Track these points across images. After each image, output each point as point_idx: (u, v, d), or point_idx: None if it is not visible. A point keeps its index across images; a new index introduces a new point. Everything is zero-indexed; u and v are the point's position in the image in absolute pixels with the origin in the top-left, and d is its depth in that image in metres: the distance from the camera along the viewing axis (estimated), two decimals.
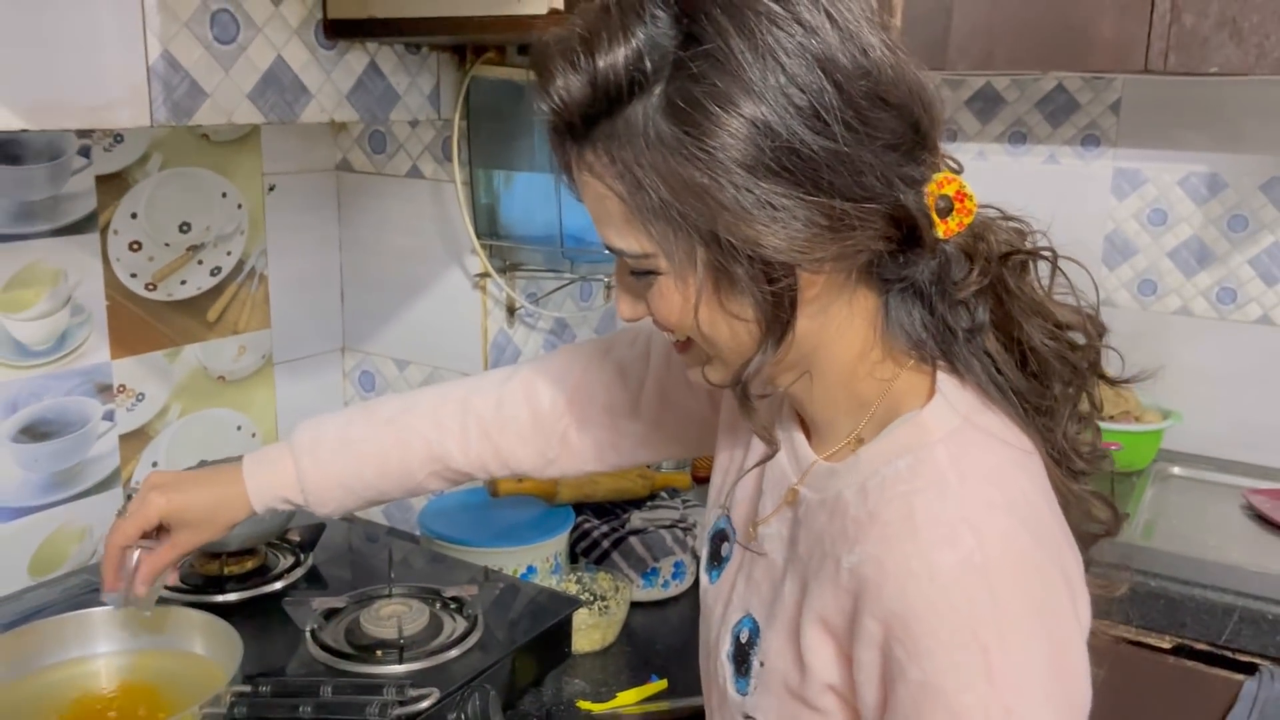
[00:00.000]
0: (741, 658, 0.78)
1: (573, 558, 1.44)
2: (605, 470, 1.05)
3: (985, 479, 0.66)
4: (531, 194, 1.37)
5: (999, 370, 0.71)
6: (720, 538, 0.86)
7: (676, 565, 1.42)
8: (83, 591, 1.22)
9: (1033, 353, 0.71)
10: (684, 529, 1.44)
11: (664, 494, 1.53)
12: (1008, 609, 0.62)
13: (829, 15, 0.62)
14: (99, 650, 1.02)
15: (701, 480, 1.65)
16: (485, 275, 1.43)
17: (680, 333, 0.71)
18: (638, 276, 0.70)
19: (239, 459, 0.97)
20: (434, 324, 1.50)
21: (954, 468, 0.66)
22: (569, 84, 0.64)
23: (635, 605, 1.38)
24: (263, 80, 1.15)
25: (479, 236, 1.42)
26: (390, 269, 1.52)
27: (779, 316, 0.66)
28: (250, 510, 0.96)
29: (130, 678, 1.01)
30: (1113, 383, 0.75)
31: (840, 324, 0.71)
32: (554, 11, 1.02)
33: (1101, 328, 0.73)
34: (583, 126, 0.65)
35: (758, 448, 0.84)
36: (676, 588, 1.43)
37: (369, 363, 1.58)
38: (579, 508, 1.46)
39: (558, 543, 1.38)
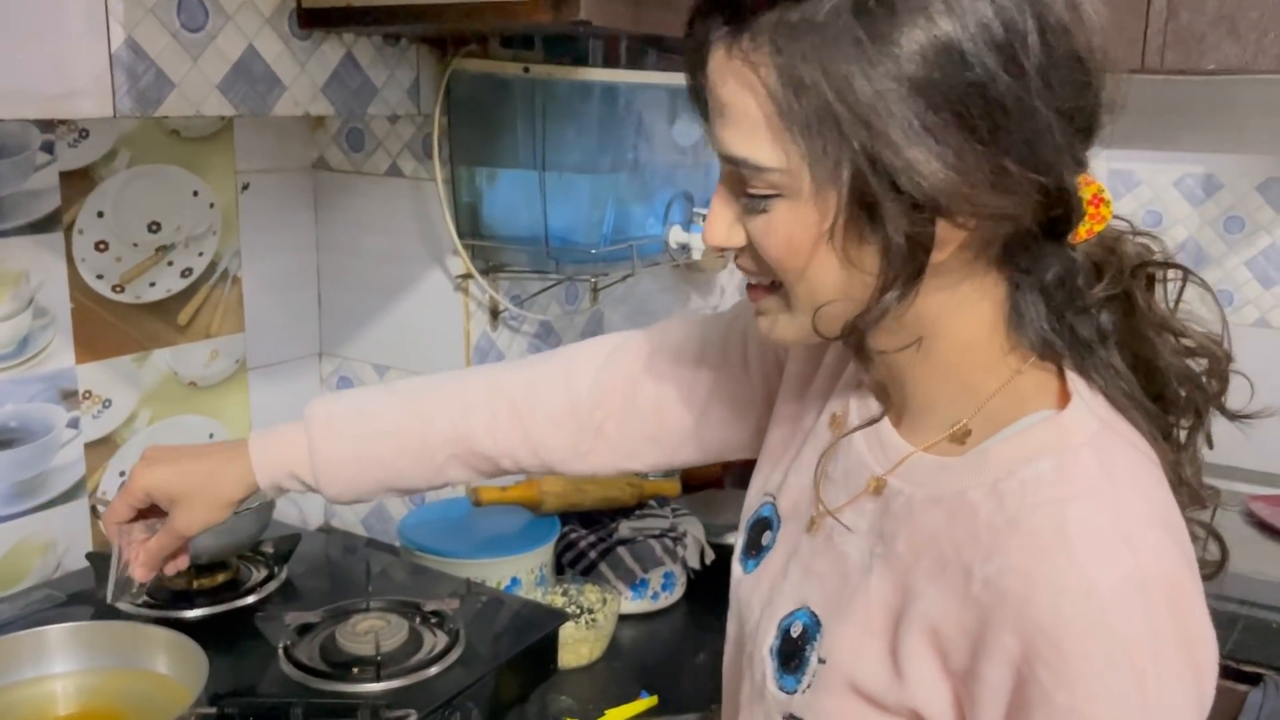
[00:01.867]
0: (792, 653, 0.71)
1: (559, 569, 1.39)
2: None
3: (1135, 488, 0.61)
4: (515, 193, 1.33)
5: (1124, 387, 0.66)
6: (762, 526, 0.80)
7: (666, 576, 1.37)
8: (45, 607, 1.16)
9: (1158, 373, 0.66)
10: (674, 539, 1.39)
11: (653, 503, 1.49)
12: (1163, 632, 0.57)
13: None
14: (56, 670, 0.97)
15: (692, 488, 1.61)
16: (467, 277, 1.38)
17: (781, 272, 0.64)
18: (752, 198, 0.63)
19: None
20: (414, 327, 1.46)
21: (1104, 474, 0.60)
22: None
23: (624, 618, 1.34)
24: (233, 71, 1.10)
25: (461, 237, 1.37)
26: (369, 271, 1.47)
27: (908, 268, 0.60)
28: (253, 486, 0.88)
29: (89, 699, 0.95)
30: (1233, 418, 0.69)
31: (967, 300, 0.65)
32: None
33: (1228, 355, 0.67)
34: (750, 8, 0.59)
35: (821, 433, 0.78)
36: (666, 599, 1.39)
37: (347, 368, 1.53)
38: (565, 517, 1.41)
39: (543, 553, 1.33)
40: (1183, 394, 0.66)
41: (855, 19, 0.56)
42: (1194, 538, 0.64)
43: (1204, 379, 0.67)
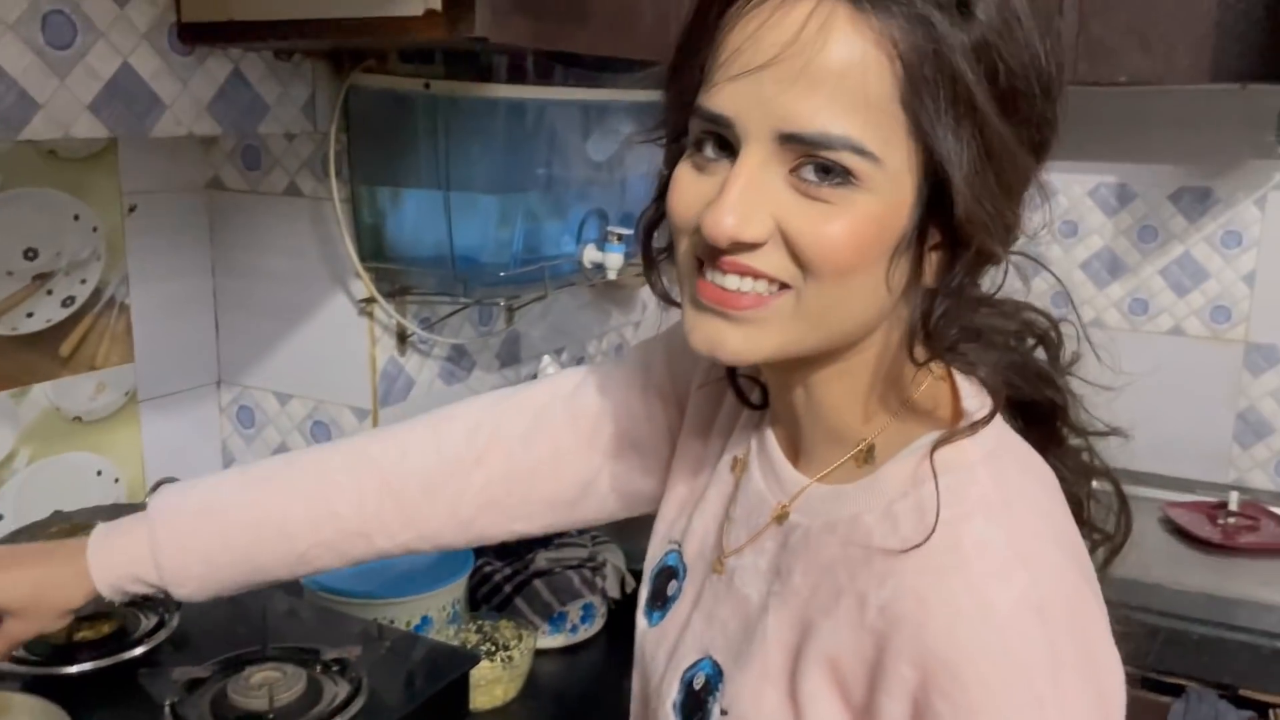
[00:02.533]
0: (695, 706, 0.67)
1: (473, 605, 1.33)
2: (539, 532, 0.88)
3: (1030, 506, 0.59)
4: (420, 213, 1.27)
5: (1007, 372, 0.64)
6: (667, 575, 0.76)
7: (585, 608, 1.33)
8: None
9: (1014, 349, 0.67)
10: (593, 568, 1.35)
11: (571, 531, 1.44)
12: (1063, 656, 0.54)
13: (1052, 21, 0.58)
14: None
15: None
16: (371, 300, 1.32)
17: (824, 272, 0.56)
18: (814, 185, 0.55)
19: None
20: (318, 354, 1.39)
21: (999, 492, 0.58)
22: None
23: (541, 654, 1.29)
24: (106, 90, 1.03)
25: (364, 258, 1.31)
26: (269, 295, 1.40)
27: (979, 266, 0.60)
28: (92, 592, 0.80)
29: None
30: (1062, 373, 0.69)
31: (895, 314, 0.62)
32: (430, 13, 0.93)
33: (1050, 319, 0.68)
34: None
35: (723, 475, 0.74)
36: (586, 632, 1.34)
37: (247, 397, 1.45)
38: (479, 550, 1.36)
39: (455, 589, 1.27)
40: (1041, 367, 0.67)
41: (969, 9, 0.54)
42: (1092, 534, 0.66)
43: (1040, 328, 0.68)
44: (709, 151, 0.59)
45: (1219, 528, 1.76)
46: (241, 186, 1.38)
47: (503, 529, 0.86)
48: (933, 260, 0.59)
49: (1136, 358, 1.93)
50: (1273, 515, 1.80)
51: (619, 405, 0.84)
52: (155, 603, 1.18)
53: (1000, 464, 0.60)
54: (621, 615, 1.39)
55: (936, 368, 0.63)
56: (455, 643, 1.23)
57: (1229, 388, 1.92)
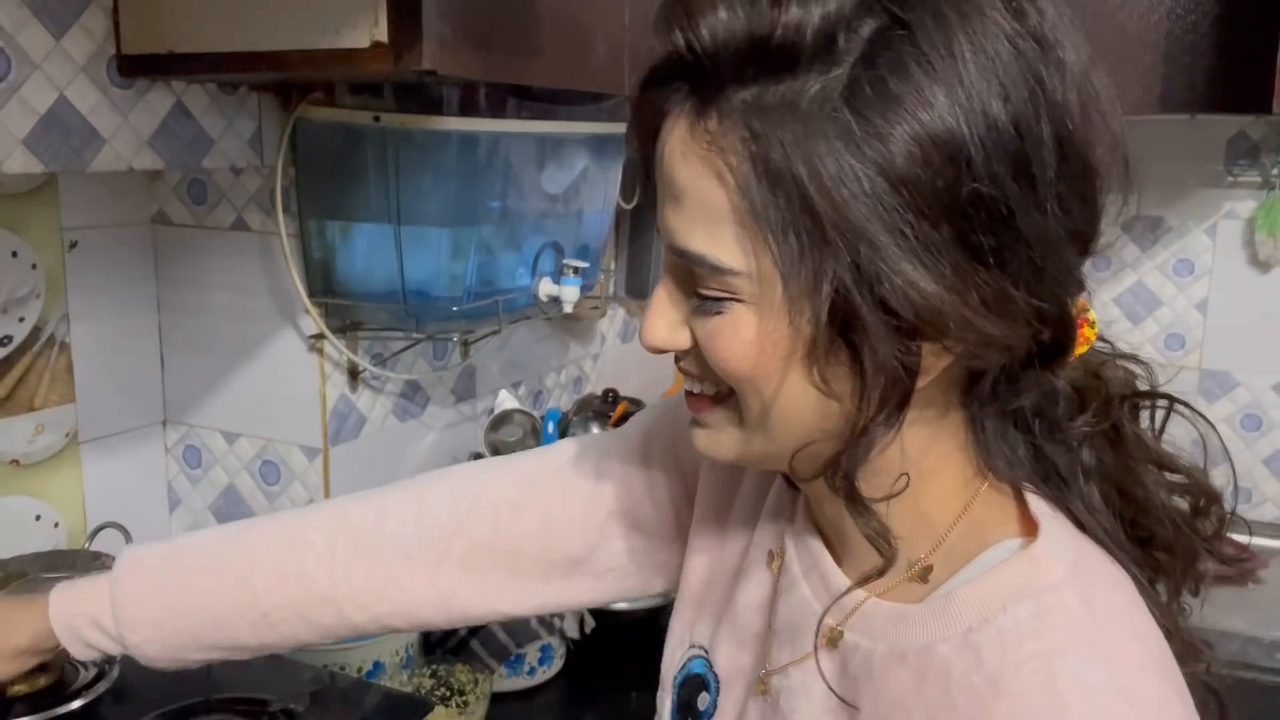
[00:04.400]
0: None
1: (427, 649, 1.30)
2: (527, 613, 0.83)
3: (1125, 630, 0.53)
4: (370, 247, 1.25)
5: (1105, 526, 0.58)
6: (695, 685, 0.70)
7: (544, 650, 1.30)
8: None
9: (1145, 513, 0.59)
10: None
11: None
12: None
13: (1063, 57, 0.50)
14: None
15: None
16: (321, 337, 1.29)
17: (735, 382, 0.55)
18: (704, 299, 0.54)
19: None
20: (267, 392, 1.36)
21: (1090, 617, 0.52)
22: (732, 24, 0.49)
23: (499, 697, 1.26)
24: (42, 124, 0.99)
25: (314, 294, 1.28)
26: (216, 332, 1.37)
27: (892, 395, 0.51)
28: (48, 637, 0.77)
29: None
30: (1229, 561, 0.63)
31: (930, 427, 0.57)
32: (377, 45, 0.91)
33: (1218, 496, 0.60)
34: (725, 83, 0.50)
35: (757, 573, 0.67)
36: (544, 674, 1.31)
37: (194, 436, 1.41)
38: None
39: (408, 633, 1.24)
40: (1171, 535, 0.59)
41: (846, 106, 0.48)
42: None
43: (1195, 519, 0.60)
44: None
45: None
46: (187, 221, 1.35)
47: (488, 607, 0.80)
48: (934, 365, 0.53)
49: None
50: (1231, 541, 1.81)
51: (617, 480, 0.78)
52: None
53: (1085, 581, 0.54)
54: (580, 656, 1.36)
55: (983, 479, 0.59)
56: (409, 688, 1.20)
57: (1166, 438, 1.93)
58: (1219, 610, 1.58)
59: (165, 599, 0.77)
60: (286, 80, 1.19)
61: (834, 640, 0.59)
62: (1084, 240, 0.53)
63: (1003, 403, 0.57)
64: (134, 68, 1.05)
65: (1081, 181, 0.51)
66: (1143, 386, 0.60)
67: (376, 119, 1.17)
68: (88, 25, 1.03)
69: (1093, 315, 0.56)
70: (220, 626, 0.78)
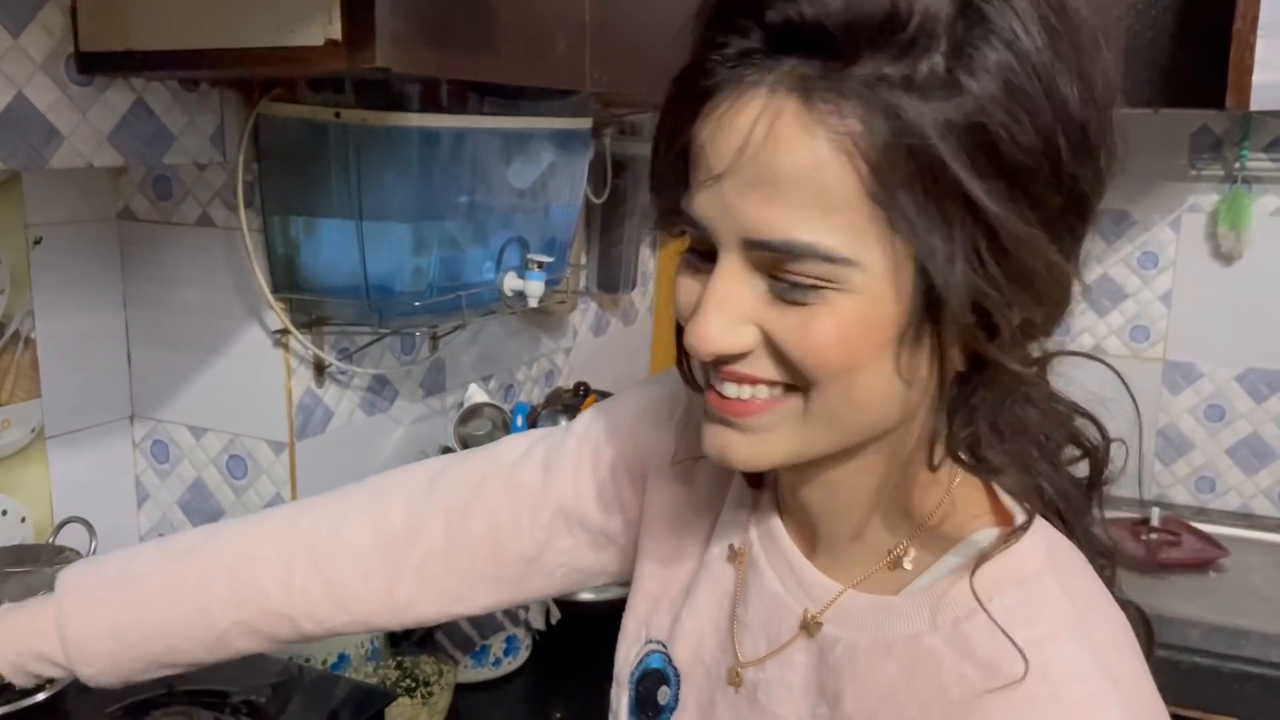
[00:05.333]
0: None
1: (393, 640, 1.31)
2: (480, 612, 0.82)
3: (1099, 614, 0.56)
4: (333, 242, 1.25)
5: (1050, 474, 0.60)
6: (654, 680, 0.70)
7: (509, 640, 1.31)
8: None
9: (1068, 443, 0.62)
10: None
11: None
12: None
13: (1098, 42, 0.53)
14: None
15: None
16: (285, 332, 1.30)
17: (818, 375, 0.53)
18: (793, 287, 0.51)
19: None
20: (233, 386, 1.36)
21: (1071, 604, 0.54)
22: (869, 2, 0.48)
23: (464, 688, 1.27)
24: (0, 121, 1.00)
25: (278, 289, 1.29)
26: (183, 327, 1.37)
27: (1012, 351, 0.52)
28: None
29: None
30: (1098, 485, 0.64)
31: (922, 407, 0.57)
32: (331, 43, 0.91)
33: (1105, 439, 0.63)
34: (852, 59, 0.48)
35: (717, 568, 0.68)
36: (510, 665, 1.33)
37: (161, 431, 1.42)
38: None
39: None
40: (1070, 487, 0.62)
41: (951, 74, 0.49)
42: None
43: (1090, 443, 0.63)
44: (695, 256, 0.57)
45: (1142, 544, 1.79)
46: (153, 217, 1.36)
47: (442, 610, 0.80)
48: (954, 351, 0.54)
49: (1060, 377, 1.97)
50: (1194, 530, 1.84)
51: (564, 477, 0.78)
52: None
53: (1062, 569, 0.56)
54: (546, 647, 1.38)
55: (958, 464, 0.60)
56: (374, 680, 1.21)
57: (1149, 406, 1.96)
58: (1182, 599, 1.61)
59: (118, 632, 0.76)
60: (247, 76, 1.19)
61: (811, 629, 0.60)
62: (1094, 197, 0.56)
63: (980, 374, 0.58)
64: (93, 65, 1.05)
65: (1109, 158, 0.54)
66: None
67: (337, 115, 1.18)
68: (45, 23, 1.03)
69: None
70: (176, 651, 0.78)
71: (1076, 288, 0.55)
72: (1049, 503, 0.61)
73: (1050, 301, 0.53)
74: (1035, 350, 0.59)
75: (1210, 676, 1.47)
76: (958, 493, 0.59)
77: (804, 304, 0.51)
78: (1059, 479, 0.61)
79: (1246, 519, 1.94)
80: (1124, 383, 0.63)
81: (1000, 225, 0.49)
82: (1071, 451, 0.63)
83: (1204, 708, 1.45)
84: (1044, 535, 0.58)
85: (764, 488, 0.68)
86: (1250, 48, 1.36)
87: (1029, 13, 0.50)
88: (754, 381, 0.55)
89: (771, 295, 0.53)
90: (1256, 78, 1.37)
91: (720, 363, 0.55)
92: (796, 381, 0.54)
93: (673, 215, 0.57)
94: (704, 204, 0.53)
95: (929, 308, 0.51)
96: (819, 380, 0.53)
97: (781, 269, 0.51)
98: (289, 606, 0.77)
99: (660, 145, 0.57)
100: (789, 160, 0.49)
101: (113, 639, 0.76)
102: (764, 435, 0.56)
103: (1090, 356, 0.63)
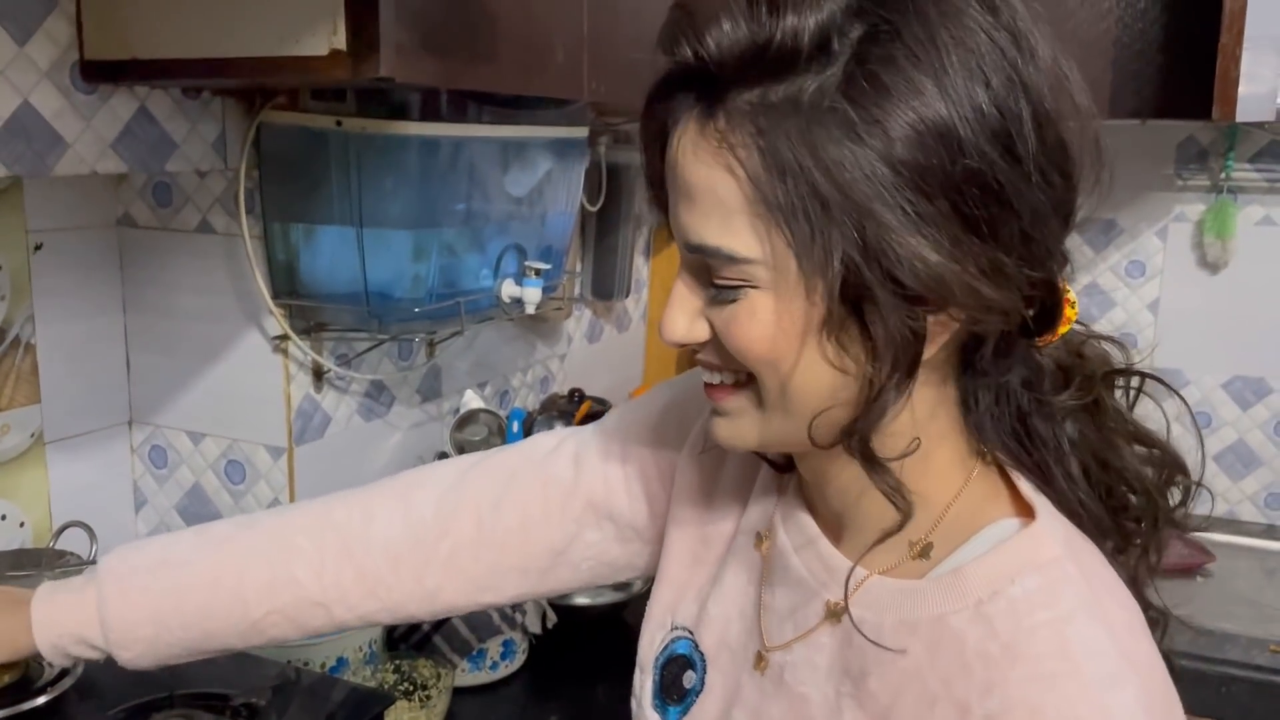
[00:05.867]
0: None
1: (390, 643, 1.32)
2: (506, 602, 0.85)
3: (1117, 600, 0.58)
4: (333, 249, 1.27)
5: (1081, 497, 0.62)
6: (679, 665, 0.72)
7: (506, 645, 1.32)
8: None
9: (1120, 481, 0.63)
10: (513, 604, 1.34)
11: None
12: None
13: (1035, 45, 0.54)
14: None
15: None
16: (285, 338, 1.31)
17: (755, 366, 0.58)
18: (721, 288, 0.58)
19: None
20: (232, 392, 1.37)
21: (1091, 589, 0.57)
22: (735, 32, 0.54)
23: (461, 691, 1.28)
24: (5, 129, 1.01)
25: (278, 295, 1.30)
26: (182, 333, 1.38)
27: (902, 363, 0.55)
28: (30, 649, 0.77)
29: None
30: (1186, 530, 0.66)
31: (928, 402, 0.60)
32: (335, 53, 0.93)
33: (1187, 470, 0.65)
34: (730, 87, 0.55)
35: (744, 555, 0.70)
36: (506, 669, 1.33)
37: (160, 436, 1.43)
38: None
39: (371, 628, 1.26)
40: (1143, 504, 0.63)
41: (844, 99, 0.53)
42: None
43: (1163, 488, 0.64)
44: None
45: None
46: (153, 223, 1.37)
47: (470, 599, 0.82)
48: (939, 334, 0.57)
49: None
50: (1181, 536, 1.85)
51: (594, 471, 0.81)
52: None
53: (1079, 555, 0.58)
54: (542, 651, 1.39)
55: (977, 460, 0.62)
56: (372, 683, 1.22)
57: (1137, 412, 1.98)
58: (1170, 602, 1.63)
59: (158, 618, 0.78)
60: (250, 85, 1.20)
61: (838, 615, 0.63)
62: (1065, 212, 0.57)
63: (996, 374, 0.61)
64: (97, 73, 1.06)
65: (1059, 155, 0.55)
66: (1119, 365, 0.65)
67: (339, 123, 1.19)
68: (51, 32, 1.04)
69: (1073, 296, 0.60)
70: (212, 637, 0.80)
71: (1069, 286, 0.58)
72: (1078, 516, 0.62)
73: (975, 305, 0.54)
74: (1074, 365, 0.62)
75: (1196, 680, 1.49)
76: (976, 483, 0.62)
77: (731, 302, 0.58)
78: (1087, 500, 0.62)
79: (1232, 525, 1.96)
80: (1181, 399, 0.66)
81: (880, 235, 0.52)
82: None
83: (1190, 711, 1.45)
84: (1062, 525, 0.60)
85: (790, 473, 0.70)
86: (1236, 60, 1.38)
87: (953, 24, 0.53)
88: (717, 368, 0.61)
89: (711, 297, 0.59)
90: (1242, 89, 1.39)
91: (693, 352, 0.62)
92: (738, 372, 0.61)
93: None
94: (670, 216, 0.61)
95: (847, 299, 0.55)
96: (755, 370, 0.59)
97: (712, 274, 0.58)
98: (322, 594, 0.79)
99: (644, 161, 0.64)
100: (691, 176, 0.57)
101: (152, 625, 0.78)
102: (736, 419, 0.62)
103: (1153, 377, 0.65)
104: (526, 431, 1.58)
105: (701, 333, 0.60)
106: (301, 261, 1.28)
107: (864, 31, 0.53)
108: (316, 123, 1.20)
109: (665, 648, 0.74)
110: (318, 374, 1.37)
